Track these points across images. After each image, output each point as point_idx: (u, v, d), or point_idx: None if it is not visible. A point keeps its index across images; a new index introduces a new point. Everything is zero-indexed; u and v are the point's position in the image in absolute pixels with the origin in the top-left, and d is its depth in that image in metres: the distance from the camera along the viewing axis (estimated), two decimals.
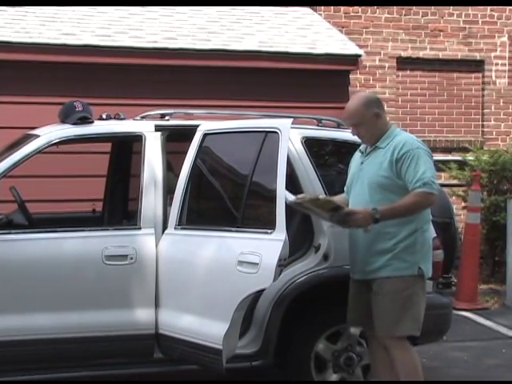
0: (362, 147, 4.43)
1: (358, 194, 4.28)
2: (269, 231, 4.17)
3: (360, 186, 4.27)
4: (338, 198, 4.39)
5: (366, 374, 4.90)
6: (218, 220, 4.71)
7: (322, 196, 4.20)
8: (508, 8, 10.42)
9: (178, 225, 4.62)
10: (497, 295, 8.22)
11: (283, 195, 4.13)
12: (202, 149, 4.69)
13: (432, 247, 4.34)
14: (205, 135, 4.69)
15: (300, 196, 4.17)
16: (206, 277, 4.43)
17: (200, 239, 4.54)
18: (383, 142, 4.26)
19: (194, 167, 4.67)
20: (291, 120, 4.39)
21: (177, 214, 4.63)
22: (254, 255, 4.17)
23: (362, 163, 4.33)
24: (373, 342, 4.44)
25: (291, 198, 4.18)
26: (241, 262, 4.23)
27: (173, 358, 4.62)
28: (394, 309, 4.15)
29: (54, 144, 4.70)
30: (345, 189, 4.51)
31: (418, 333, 4.22)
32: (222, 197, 4.82)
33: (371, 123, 4.26)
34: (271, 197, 4.19)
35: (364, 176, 4.26)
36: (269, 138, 4.39)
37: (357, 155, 4.46)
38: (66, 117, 4.86)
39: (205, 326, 4.34)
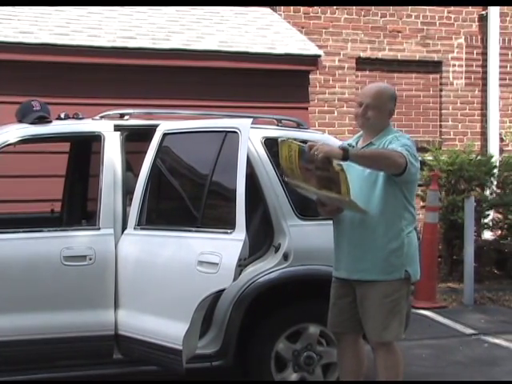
0: (352, 141, 4.35)
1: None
2: (229, 231, 4.18)
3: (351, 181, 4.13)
4: None
5: (326, 373, 4.92)
6: (177, 220, 4.70)
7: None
8: (464, 10, 10.56)
9: (138, 225, 4.60)
10: (455, 294, 8.31)
11: (243, 195, 4.14)
12: (161, 149, 4.67)
13: (419, 249, 4.29)
14: (164, 135, 4.67)
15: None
16: (165, 277, 4.41)
17: (159, 239, 4.52)
18: (378, 139, 4.20)
19: (154, 167, 4.65)
20: (251, 120, 4.40)
21: (136, 214, 4.60)
22: (214, 255, 4.17)
23: None
24: (342, 345, 4.39)
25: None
26: (201, 262, 4.22)
27: (133, 359, 4.60)
28: (382, 314, 4.12)
29: (11, 144, 4.64)
30: None
31: (403, 336, 4.24)
32: (181, 197, 4.81)
33: (383, 115, 4.21)
34: (231, 197, 4.19)
35: (353, 171, 4.10)
36: (228, 137, 4.39)
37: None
38: (23, 116, 4.80)
39: (164, 327, 4.32)
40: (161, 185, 4.85)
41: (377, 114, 4.20)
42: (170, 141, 4.68)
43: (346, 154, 3.89)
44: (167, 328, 4.30)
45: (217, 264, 4.13)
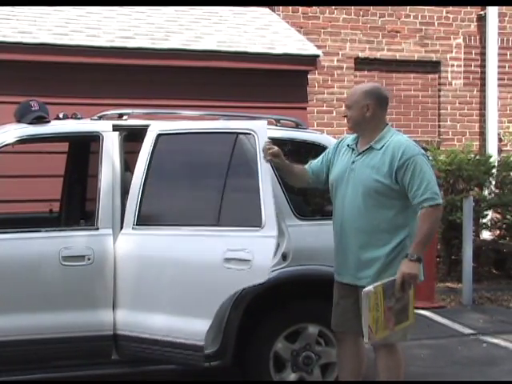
0: (350, 141, 4.28)
1: (348, 198, 4.11)
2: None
3: (352, 189, 4.12)
4: (297, 169, 4.37)
5: (324, 373, 4.92)
6: (175, 219, 4.69)
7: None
8: (463, 10, 10.57)
9: (136, 224, 4.59)
10: (453, 294, 8.32)
11: (270, 193, 4.19)
12: (156, 148, 4.66)
13: None
14: (159, 135, 4.66)
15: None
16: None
17: (157, 239, 4.52)
18: (378, 142, 4.12)
19: (151, 166, 4.64)
20: (251, 121, 4.42)
21: (133, 213, 4.60)
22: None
23: (353, 162, 4.18)
24: (343, 344, 4.38)
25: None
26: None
27: (131, 359, 4.59)
28: None
29: (10, 144, 4.64)
30: (311, 164, 4.41)
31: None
32: (177, 196, 4.80)
33: (360, 112, 4.15)
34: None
35: (357, 179, 4.10)
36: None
37: (345, 149, 4.29)
38: (21, 116, 4.79)
39: (180, 323, 4.33)
40: (157, 184, 4.83)
41: (353, 111, 4.18)
42: (167, 140, 4.68)
43: (419, 261, 3.97)
44: (184, 325, 4.31)
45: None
